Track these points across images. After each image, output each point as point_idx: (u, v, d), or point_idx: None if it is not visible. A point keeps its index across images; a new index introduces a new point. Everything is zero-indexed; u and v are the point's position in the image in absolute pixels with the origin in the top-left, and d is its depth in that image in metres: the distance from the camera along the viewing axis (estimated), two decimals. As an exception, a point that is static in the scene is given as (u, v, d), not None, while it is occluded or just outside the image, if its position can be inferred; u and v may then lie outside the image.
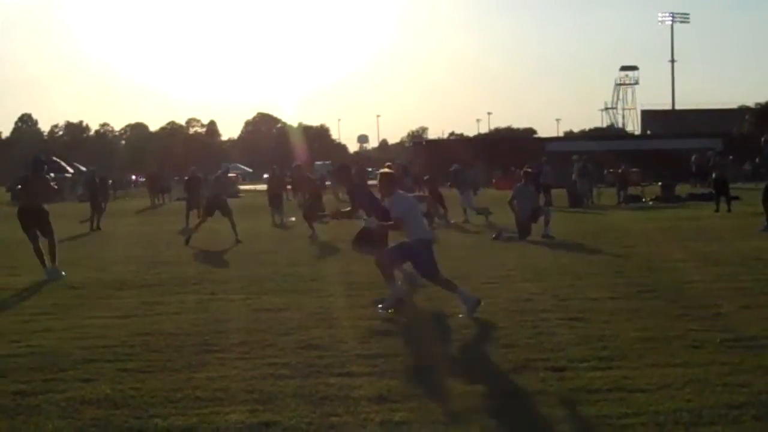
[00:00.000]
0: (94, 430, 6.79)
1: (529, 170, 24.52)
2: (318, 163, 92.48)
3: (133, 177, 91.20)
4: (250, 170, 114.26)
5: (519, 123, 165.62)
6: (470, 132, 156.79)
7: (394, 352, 9.21)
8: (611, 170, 49.55)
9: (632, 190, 42.34)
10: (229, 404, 7.39)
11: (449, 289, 11.60)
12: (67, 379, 8.32)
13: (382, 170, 12.71)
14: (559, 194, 37.70)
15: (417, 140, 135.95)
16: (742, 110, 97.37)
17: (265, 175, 39.63)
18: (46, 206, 16.88)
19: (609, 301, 12.06)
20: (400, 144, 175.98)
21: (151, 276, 16.05)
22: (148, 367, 8.82)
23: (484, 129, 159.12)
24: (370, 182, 15.99)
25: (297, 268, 16.69)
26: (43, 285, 14.92)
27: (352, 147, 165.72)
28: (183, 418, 7.04)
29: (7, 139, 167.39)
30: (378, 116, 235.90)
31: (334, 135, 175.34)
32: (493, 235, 22.03)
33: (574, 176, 39.53)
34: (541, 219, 22.00)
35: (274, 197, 32.62)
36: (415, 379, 8.14)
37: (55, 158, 77.90)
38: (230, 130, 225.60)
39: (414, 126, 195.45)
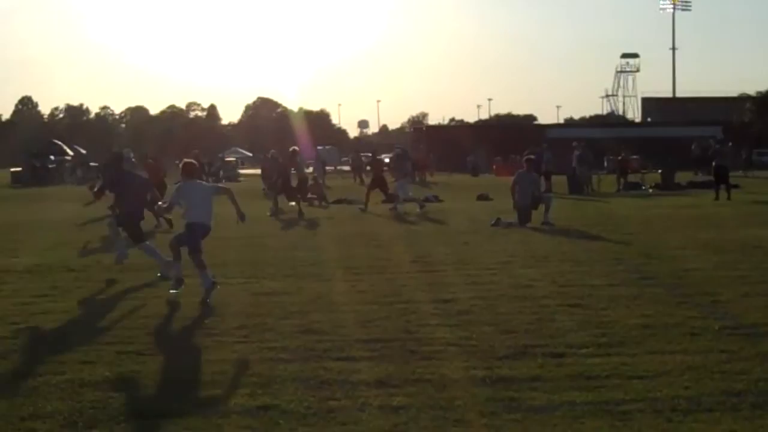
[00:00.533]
0: (93, 413, 6.80)
1: (531, 157, 24.49)
2: (320, 147, 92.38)
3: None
4: (251, 154, 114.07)
5: (519, 109, 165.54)
6: (471, 118, 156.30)
7: (393, 337, 9.22)
8: (611, 157, 49.56)
9: (632, 178, 42.33)
10: (229, 387, 7.41)
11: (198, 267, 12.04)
12: (67, 361, 8.34)
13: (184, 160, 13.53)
14: (558, 181, 37.67)
15: (417, 126, 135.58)
16: (743, 98, 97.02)
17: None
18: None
19: (608, 288, 12.07)
20: (401, 129, 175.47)
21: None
22: (147, 350, 8.84)
23: (484, 115, 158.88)
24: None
25: (296, 252, 16.69)
26: (43, 267, 14.91)
27: (353, 132, 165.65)
28: (182, 401, 7.05)
29: (7, 121, 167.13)
30: (378, 101, 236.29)
31: (335, 120, 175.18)
32: (492, 222, 21.99)
33: (573, 163, 39.50)
34: (542, 206, 21.99)
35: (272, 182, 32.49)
36: (414, 364, 8.14)
37: (55, 141, 77.86)
38: (231, 114, 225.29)
39: (414, 111, 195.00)
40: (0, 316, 10.66)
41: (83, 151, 77.60)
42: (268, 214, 26.40)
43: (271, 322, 10.08)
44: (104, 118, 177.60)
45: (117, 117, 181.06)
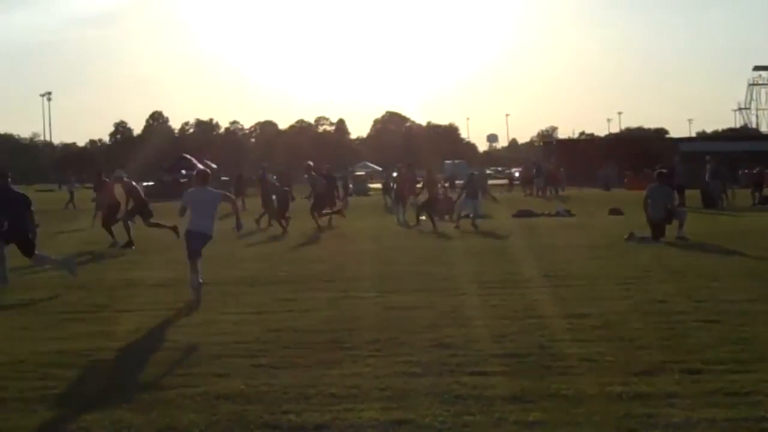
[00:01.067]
0: (228, 425, 6.83)
1: (663, 170, 23.96)
2: (447, 162, 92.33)
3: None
4: (380, 168, 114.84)
5: (650, 123, 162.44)
6: (601, 132, 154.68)
7: (527, 352, 9.07)
8: (746, 171, 48.23)
9: (768, 192, 41.15)
10: (363, 401, 7.36)
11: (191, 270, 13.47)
12: (201, 374, 8.40)
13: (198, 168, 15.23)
14: (691, 195, 36.83)
15: (547, 140, 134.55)
16: None
17: (395, 174, 39.52)
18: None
19: (746, 304, 11.71)
20: (530, 143, 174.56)
21: (283, 273, 16.20)
22: (280, 363, 8.86)
23: (614, 129, 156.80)
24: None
25: (427, 267, 16.64)
26: (175, 281, 15.17)
27: (482, 146, 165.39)
28: (316, 414, 7.03)
29: (139, 136, 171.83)
30: (507, 115, 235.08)
31: (463, 134, 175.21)
32: (626, 237, 21.57)
33: (707, 177, 38.59)
34: (676, 220, 21.52)
35: (401, 196, 32.58)
36: (549, 379, 7.97)
37: (186, 155, 79.64)
38: (359, 128, 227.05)
39: (544, 125, 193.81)
40: (135, 328, 10.83)
41: (214, 166, 79.22)
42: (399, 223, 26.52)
43: (404, 336, 10.01)
44: (234, 132, 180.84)
45: (246, 132, 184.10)
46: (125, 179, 23.90)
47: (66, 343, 9.89)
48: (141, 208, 23.24)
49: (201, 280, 13.50)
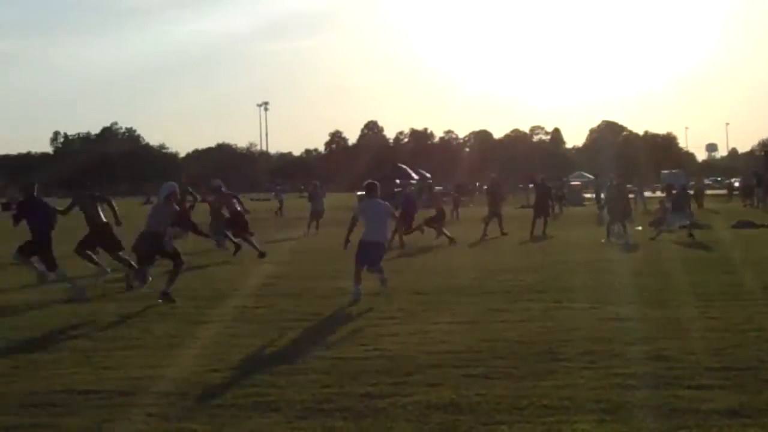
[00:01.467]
0: (439, 435, 6.83)
1: None
2: (664, 172, 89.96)
3: (476, 184, 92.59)
4: (593, 177, 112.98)
5: None
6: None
7: (745, 366, 8.72)
8: None
9: None
10: (576, 413, 7.22)
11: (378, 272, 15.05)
12: (414, 383, 8.43)
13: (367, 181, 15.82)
14: None
15: None
16: None
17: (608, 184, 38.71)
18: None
19: None
20: (750, 153, 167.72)
21: (495, 283, 16.13)
22: (493, 373, 8.78)
23: None
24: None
25: (642, 278, 16.25)
26: (389, 290, 15.32)
27: (700, 156, 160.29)
28: (529, 426, 6.94)
29: (354, 145, 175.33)
30: (727, 124, 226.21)
31: (682, 143, 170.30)
32: None
33: None
34: None
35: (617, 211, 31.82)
36: (768, 393, 7.63)
37: (400, 165, 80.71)
38: (575, 137, 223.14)
39: (765, 134, 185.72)
40: (348, 337, 10.99)
41: (428, 175, 79.99)
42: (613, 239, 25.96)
43: (618, 348, 9.78)
44: (448, 142, 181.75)
45: (461, 141, 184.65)
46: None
47: (278, 351, 10.13)
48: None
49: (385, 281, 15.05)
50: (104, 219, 17.81)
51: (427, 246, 25.66)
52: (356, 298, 14.36)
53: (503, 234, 29.42)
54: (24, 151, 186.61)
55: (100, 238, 17.57)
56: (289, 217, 46.11)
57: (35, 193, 15.92)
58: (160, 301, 14.24)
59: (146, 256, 15.20)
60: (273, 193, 74.90)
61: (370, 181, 15.91)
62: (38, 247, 15.65)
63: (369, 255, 14.97)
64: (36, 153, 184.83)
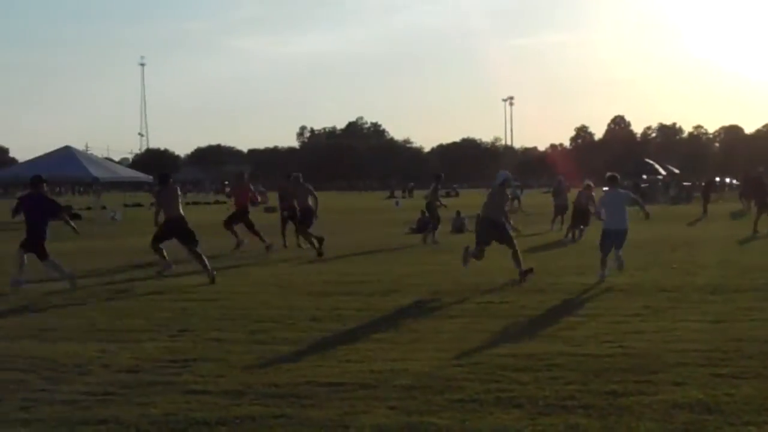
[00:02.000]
0: (686, 435, 6.67)
1: None
2: None
3: (727, 180, 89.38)
4: None
5: None
6: None
7: None
8: None
9: None
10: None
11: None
12: (659, 382, 8.25)
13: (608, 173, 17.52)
14: None
15: None
16: None
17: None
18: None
19: None
20: None
21: (746, 281, 15.54)
22: (742, 373, 8.51)
23: None
24: None
25: None
26: (636, 287, 15.05)
27: None
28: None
29: (600, 140, 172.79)
30: None
31: None
32: None
33: None
34: None
35: None
36: None
37: (647, 160, 78.95)
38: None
39: None
40: (593, 334, 10.86)
41: (676, 171, 77.88)
42: None
43: None
44: (697, 137, 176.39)
45: (710, 136, 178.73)
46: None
47: (522, 347, 10.09)
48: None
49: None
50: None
51: (676, 243, 24.99)
52: (601, 279, 15.97)
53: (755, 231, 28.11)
54: (271, 145, 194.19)
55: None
56: (529, 212, 45.91)
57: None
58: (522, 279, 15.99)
59: (485, 241, 16.95)
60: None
61: (611, 173, 17.23)
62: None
63: (613, 242, 16.50)
64: (283, 147, 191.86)
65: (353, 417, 7.33)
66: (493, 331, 11.29)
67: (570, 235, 28.35)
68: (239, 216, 25.51)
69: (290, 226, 25.50)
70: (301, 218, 24.67)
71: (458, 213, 34.74)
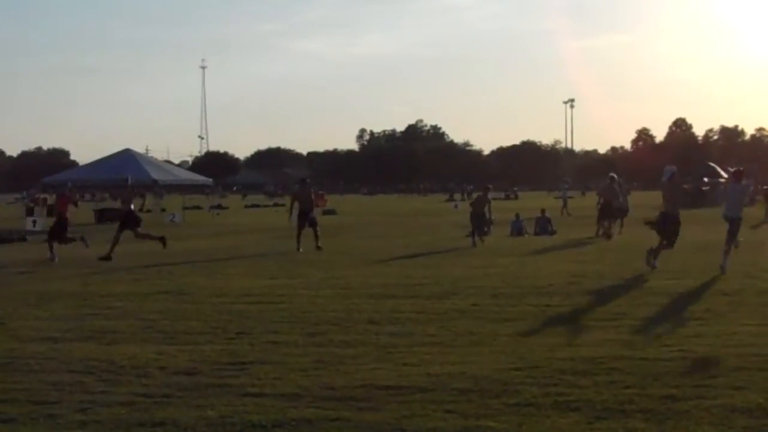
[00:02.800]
0: (745, 440, 6.59)
1: None
2: None
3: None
4: None
5: None
6: None
7: None
8: None
9: None
10: None
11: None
12: (718, 386, 8.17)
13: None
14: None
15: None
16: None
17: None
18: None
19: None
20: None
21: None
22: (805, 380, 8.38)
23: None
24: None
25: None
26: (700, 290, 14.89)
27: None
28: None
29: (661, 143, 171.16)
30: None
31: None
32: None
33: None
34: None
35: None
36: None
37: (710, 163, 77.98)
38: None
39: None
40: (652, 337, 10.76)
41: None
42: None
43: None
44: (759, 139, 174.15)
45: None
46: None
47: (582, 350, 10.02)
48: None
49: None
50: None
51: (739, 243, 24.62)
52: (722, 271, 17.01)
53: None
54: (330, 148, 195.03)
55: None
56: (576, 215, 45.47)
57: None
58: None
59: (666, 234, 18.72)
60: (559, 191, 73.01)
61: (737, 168, 20.20)
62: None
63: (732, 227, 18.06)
64: (342, 150, 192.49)
65: (410, 420, 7.33)
66: (551, 334, 11.24)
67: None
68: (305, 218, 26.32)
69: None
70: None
71: (517, 215, 34.72)
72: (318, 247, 25.11)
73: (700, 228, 29.31)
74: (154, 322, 12.67)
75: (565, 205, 51.99)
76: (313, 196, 27.47)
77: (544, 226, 33.41)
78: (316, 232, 25.76)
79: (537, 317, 12.63)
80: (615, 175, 29.06)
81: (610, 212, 29.13)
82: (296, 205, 26.87)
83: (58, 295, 15.91)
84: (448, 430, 7.05)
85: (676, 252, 19.03)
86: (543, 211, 35.23)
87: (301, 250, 24.80)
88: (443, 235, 33.25)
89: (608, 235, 28.28)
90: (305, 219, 25.87)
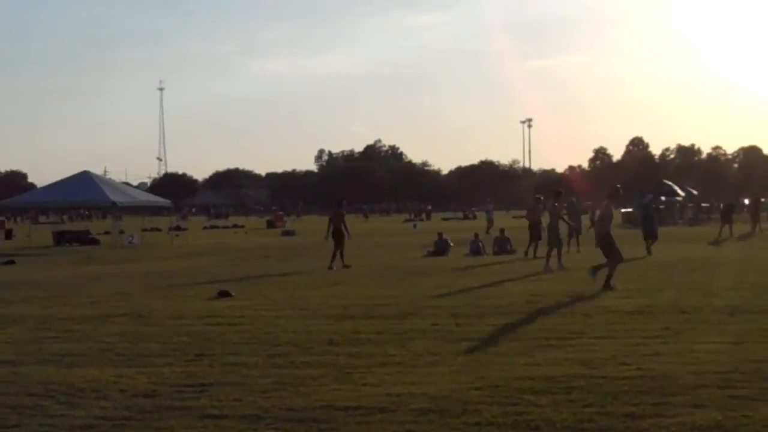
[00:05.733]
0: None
1: None
2: None
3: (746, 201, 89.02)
4: None
5: None
6: None
7: None
8: None
9: None
10: None
11: None
12: (677, 404, 8.22)
13: None
14: None
15: None
16: None
17: None
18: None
19: None
20: None
21: (765, 302, 15.46)
22: (760, 395, 8.48)
23: None
24: None
25: None
26: (654, 309, 14.99)
27: None
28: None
29: (618, 162, 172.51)
30: None
31: None
32: None
33: None
34: None
35: None
36: None
37: (665, 181, 78.78)
38: None
39: None
40: (610, 356, 10.80)
41: (694, 192, 77.63)
42: None
43: None
44: (716, 158, 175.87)
45: (729, 157, 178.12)
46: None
47: (540, 369, 10.05)
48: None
49: None
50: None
51: (694, 264, 24.91)
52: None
53: None
54: (289, 168, 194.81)
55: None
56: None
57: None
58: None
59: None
60: (484, 211, 70.06)
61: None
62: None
63: None
64: (300, 171, 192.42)
65: (369, 441, 7.32)
66: (510, 353, 11.25)
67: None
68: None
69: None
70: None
71: (476, 235, 34.87)
72: (344, 266, 26.60)
73: (657, 246, 29.60)
74: (113, 345, 12.59)
75: (490, 225, 52.17)
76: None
77: (502, 245, 33.57)
78: (342, 251, 27.33)
79: (496, 337, 12.66)
80: (561, 192, 29.17)
81: (536, 233, 29.36)
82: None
83: (17, 318, 15.76)
84: (409, 450, 7.05)
85: (632, 270, 19.17)
86: (502, 231, 35.40)
87: (332, 267, 26.33)
88: (403, 255, 33.29)
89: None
90: (340, 237, 27.35)
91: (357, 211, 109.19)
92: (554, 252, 24.73)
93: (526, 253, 29.66)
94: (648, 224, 30.84)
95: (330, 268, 26.26)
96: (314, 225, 65.73)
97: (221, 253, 37.42)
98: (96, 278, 23.51)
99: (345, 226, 27.97)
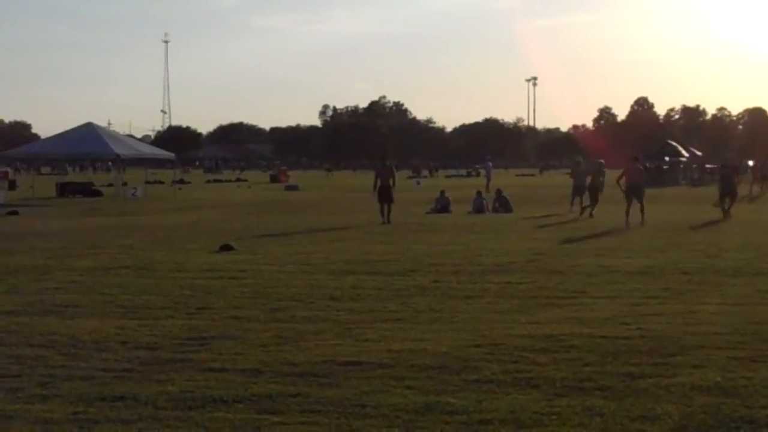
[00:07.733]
0: (702, 417, 6.63)
1: None
2: None
3: (750, 163, 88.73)
4: None
5: None
6: None
7: None
8: None
9: None
10: None
11: None
12: (677, 365, 8.23)
13: None
14: None
15: None
16: None
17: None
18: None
19: None
20: None
21: (766, 264, 15.45)
22: (760, 356, 8.48)
23: None
24: None
25: None
26: (655, 269, 14.98)
27: None
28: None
29: (623, 122, 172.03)
30: None
31: None
32: None
33: None
34: None
35: None
36: None
37: (670, 141, 78.53)
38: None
39: None
40: (611, 316, 10.82)
41: (699, 153, 77.44)
42: None
43: None
44: (721, 119, 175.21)
45: (734, 119, 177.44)
46: None
47: (540, 328, 10.06)
48: None
49: None
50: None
51: (700, 223, 24.88)
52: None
53: None
54: (293, 123, 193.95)
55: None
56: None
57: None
58: None
59: None
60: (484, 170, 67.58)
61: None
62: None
63: None
64: (305, 126, 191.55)
65: (370, 396, 7.33)
66: (511, 311, 11.27)
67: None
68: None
69: None
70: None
71: (479, 193, 34.82)
72: (387, 221, 27.10)
73: (660, 207, 29.58)
74: (115, 297, 12.61)
75: (488, 183, 52.13)
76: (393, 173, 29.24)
77: (503, 203, 33.57)
78: (390, 207, 27.60)
79: (497, 295, 12.67)
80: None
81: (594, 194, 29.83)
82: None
83: (19, 268, 15.78)
84: (409, 406, 7.05)
85: (636, 231, 19.16)
86: (498, 191, 35.33)
87: (384, 221, 26.96)
88: (405, 211, 33.24)
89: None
90: (385, 193, 27.74)
91: (357, 167, 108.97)
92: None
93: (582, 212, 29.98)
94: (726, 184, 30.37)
95: (387, 222, 26.89)
96: (317, 180, 65.67)
97: (224, 207, 37.42)
98: (99, 230, 23.52)
99: (394, 182, 28.44)
